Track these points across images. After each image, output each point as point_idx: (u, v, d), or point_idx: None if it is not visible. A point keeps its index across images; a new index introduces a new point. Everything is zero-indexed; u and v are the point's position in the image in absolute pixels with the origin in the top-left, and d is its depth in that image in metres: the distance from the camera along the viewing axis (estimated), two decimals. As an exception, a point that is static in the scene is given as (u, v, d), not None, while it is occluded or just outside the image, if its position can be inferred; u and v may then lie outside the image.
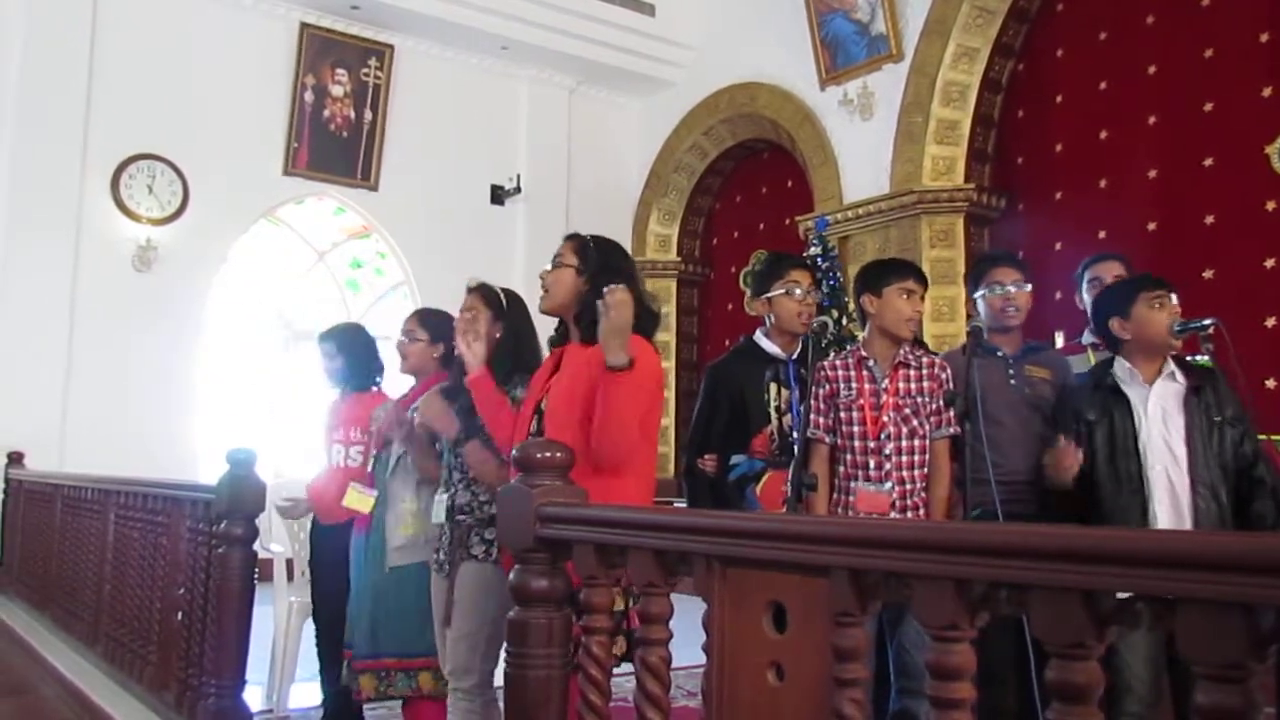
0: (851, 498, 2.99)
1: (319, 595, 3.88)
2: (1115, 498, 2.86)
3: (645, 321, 2.60)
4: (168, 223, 8.20)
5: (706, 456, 3.16)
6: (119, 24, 8.06)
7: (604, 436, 2.43)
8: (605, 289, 2.42)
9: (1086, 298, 3.59)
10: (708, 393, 3.16)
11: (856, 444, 3.00)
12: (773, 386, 3.08)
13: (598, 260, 2.65)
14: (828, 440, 3.02)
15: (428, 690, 3.15)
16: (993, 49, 7.80)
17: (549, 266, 2.70)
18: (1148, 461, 2.84)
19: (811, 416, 2.99)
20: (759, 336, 3.19)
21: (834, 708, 1.32)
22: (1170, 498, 2.81)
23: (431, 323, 3.50)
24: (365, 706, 3.69)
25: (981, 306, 3.28)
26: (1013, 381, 3.18)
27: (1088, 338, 3.61)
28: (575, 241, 2.71)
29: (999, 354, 3.21)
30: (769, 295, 3.15)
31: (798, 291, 3.11)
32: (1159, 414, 2.86)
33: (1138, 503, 2.83)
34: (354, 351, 3.98)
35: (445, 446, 3.01)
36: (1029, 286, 3.25)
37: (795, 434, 3.06)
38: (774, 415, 3.06)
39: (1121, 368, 2.95)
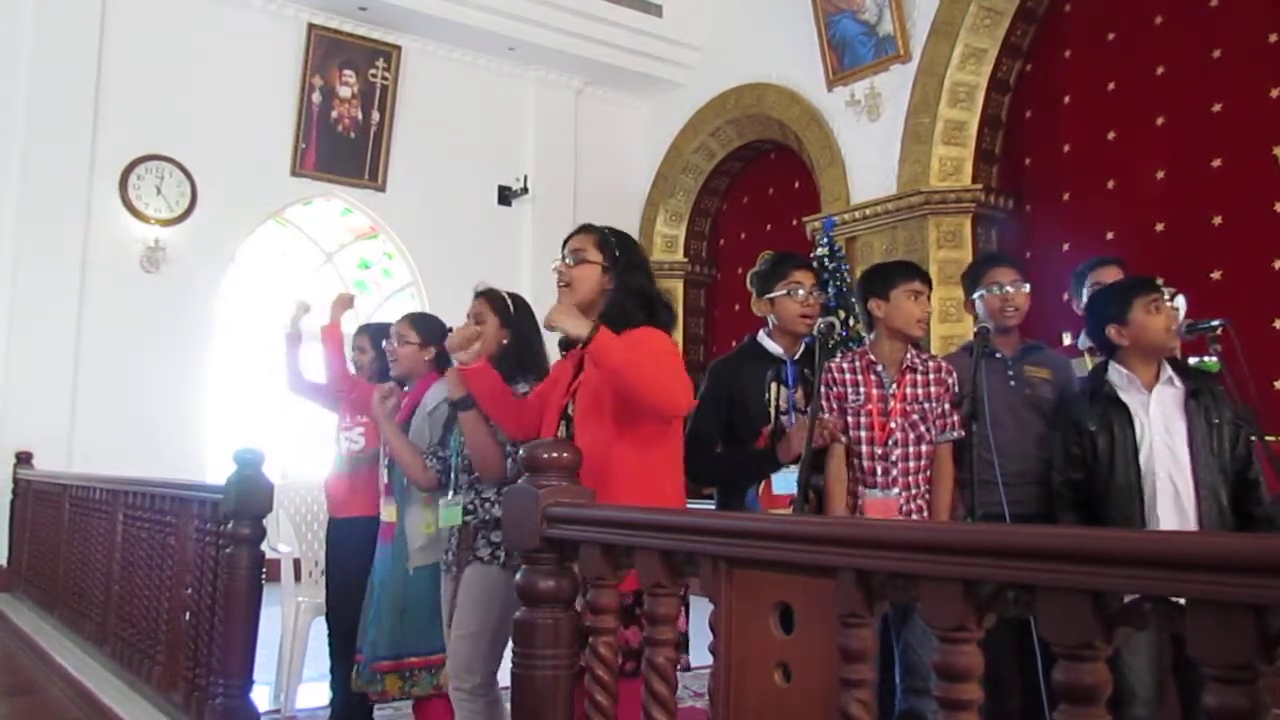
0: (860, 501, 2.98)
1: (333, 593, 3.89)
2: (1118, 506, 2.84)
3: (661, 317, 2.57)
4: (176, 223, 8.23)
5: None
6: (127, 25, 8.09)
7: (633, 393, 2.36)
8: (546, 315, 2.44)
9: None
10: (709, 389, 3.15)
11: (864, 449, 2.99)
12: (774, 386, 3.07)
13: (622, 256, 2.59)
14: (842, 440, 3.01)
15: (449, 688, 3.15)
16: (1000, 49, 7.78)
17: (567, 260, 2.61)
18: (1151, 468, 2.83)
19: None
20: (762, 336, 3.18)
21: (841, 708, 1.32)
22: (1174, 503, 2.80)
23: (422, 326, 3.55)
24: (375, 706, 3.70)
25: (980, 307, 3.28)
26: (1012, 383, 3.17)
27: (1084, 341, 3.60)
28: (595, 236, 2.62)
29: (998, 355, 3.20)
30: (771, 295, 3.13)
31: (800, 292, 3.09)
32: (1161, 420, 2.84)
33: (1139, 510, 2.82)
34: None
35: (454, 449, 3.01)
36: (1027, 286, 3.24)
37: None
38: (774, 415, 3.05)
39: (1118, 374, 2.92)
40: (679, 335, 10.25)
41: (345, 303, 4.29)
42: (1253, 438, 2.87)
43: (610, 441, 2.41)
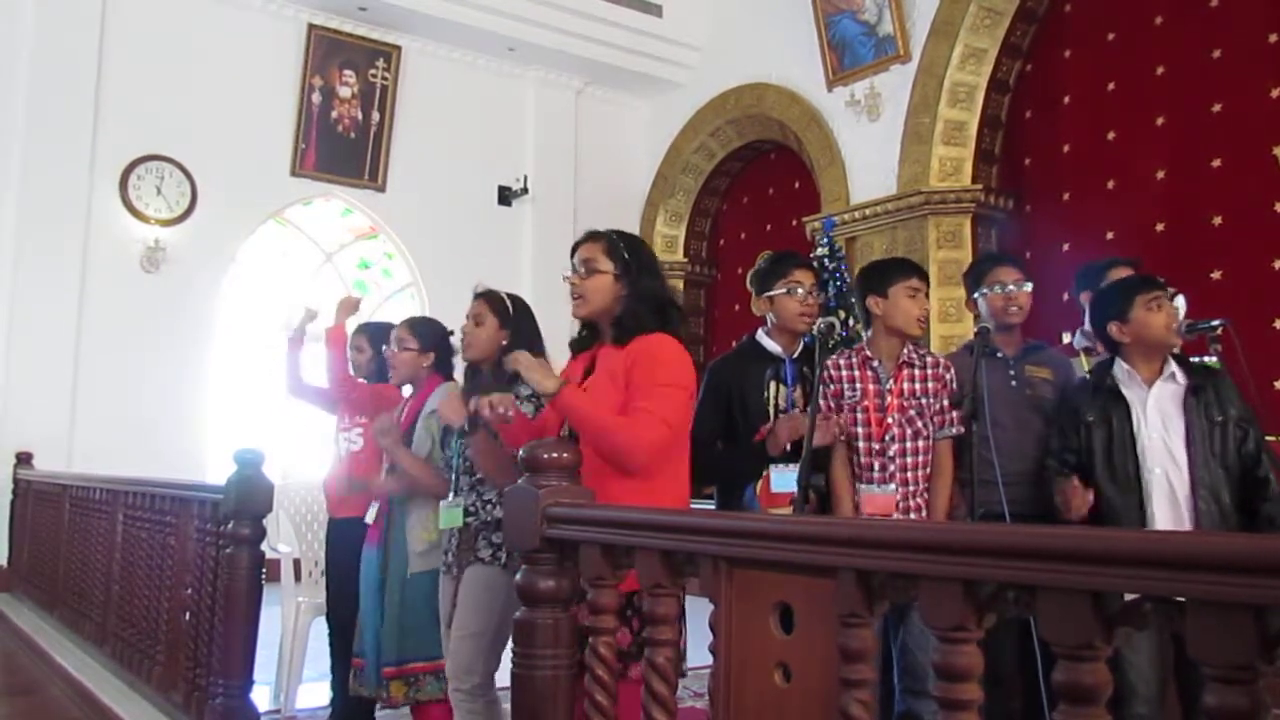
0: (858, 498, 2.98)
1: (333, 593, 3.89)
2: (1114, 500, 2.85)
3: (673, 321, 2.54)
4: (176, 223, 8.23)
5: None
6: (127, 25, 8.09)
7: (599, 449, 2.34)
8: (507, 358, 2.48)
9: None
10: (708, 389, 3.15)
11: (861, 445, 3.00)
12: (773, 385, 3.07)
13: (633, 261, 2.54)
14: (842, 438, 3.01)
15: (449, 688, 3.13)
16: (1000, 50, 7.78)
17: (579, 271, 2.54)
18: (1146, 464, 2.83)
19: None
20: (760, 335, 3.18)
21: (841, 708, 1.32)
22: (1169, 500, 2.80)
23: (421, 331, 3.50)
24: (376, 706, 3.70)
25: (983, 306, 3.28)
26: (1014, 383, 3.17)
27: (1080, 341, 3.60)
28: (603, 243, 2.56)
29: (999, 355, 3.21)
30: (770, 294, 3.13)
31: (799, 291, 3.08)
32: (1158, 416, 2.85)
33: (1135, 504, 2.82)
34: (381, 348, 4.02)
35: (455, 450, 3.01)
36: (1029, 286, 3.24)
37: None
38: (773, 414, 3.05)
39: (1121, 369, 2.93)
40: (679, 335, 10.28)
41: (351, 306, 4.29)
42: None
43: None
